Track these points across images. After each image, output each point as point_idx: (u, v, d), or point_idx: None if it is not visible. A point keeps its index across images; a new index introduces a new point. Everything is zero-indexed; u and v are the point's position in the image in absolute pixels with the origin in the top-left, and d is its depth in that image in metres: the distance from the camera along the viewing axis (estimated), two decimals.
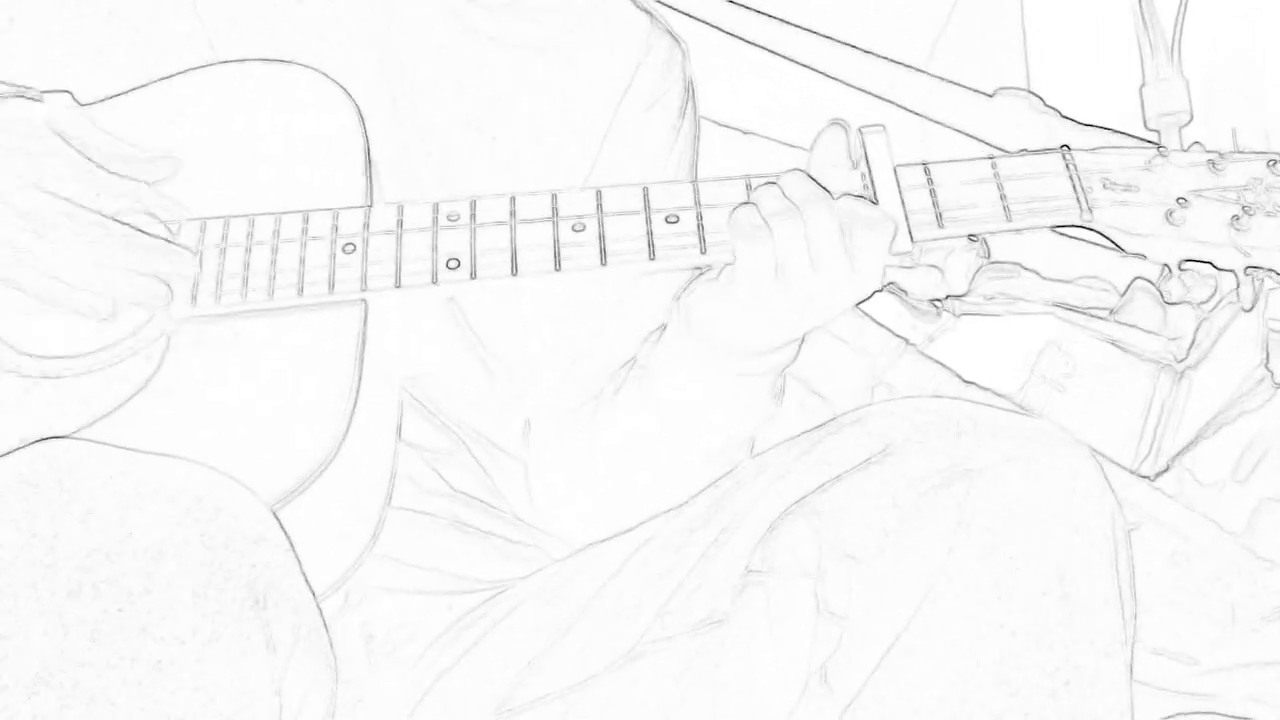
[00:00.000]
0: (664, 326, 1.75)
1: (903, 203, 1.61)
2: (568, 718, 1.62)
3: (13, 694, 1.33)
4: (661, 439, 1.73)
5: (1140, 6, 2.25)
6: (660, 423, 1.73)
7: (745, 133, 2.26)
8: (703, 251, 1.61)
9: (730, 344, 1.66)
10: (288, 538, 1.49)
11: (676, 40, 1.90)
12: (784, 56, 2.24)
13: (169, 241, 1.61)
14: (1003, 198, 1.62)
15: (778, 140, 2.25)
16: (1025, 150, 1.66)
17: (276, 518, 1.49)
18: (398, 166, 1.74)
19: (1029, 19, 2.33)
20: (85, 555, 1.37)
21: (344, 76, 1.70)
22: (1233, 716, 2.08)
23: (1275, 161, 1.62)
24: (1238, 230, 1.59)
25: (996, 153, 1.69)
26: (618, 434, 1.76)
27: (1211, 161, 1.62)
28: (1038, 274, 2.17)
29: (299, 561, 1.49)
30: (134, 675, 1.35)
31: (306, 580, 1.50)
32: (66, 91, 1.67)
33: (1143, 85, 2.25)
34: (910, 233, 1.60)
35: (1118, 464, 2.17)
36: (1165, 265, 1.62)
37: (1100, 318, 2.19)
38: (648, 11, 1.90)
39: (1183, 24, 2.24)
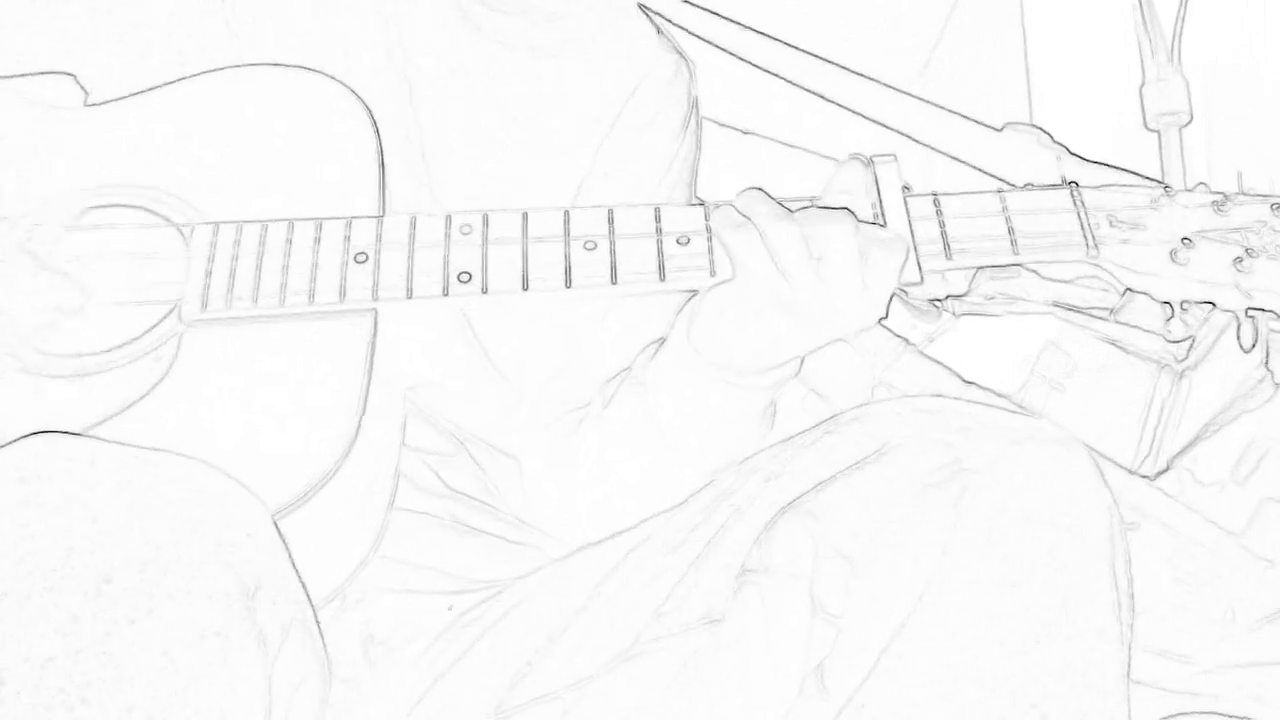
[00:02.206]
0: (661, 341, 1.75)
1: (912, 233, 1.62)
2: (566, 718, 1.62)
3: None
4: (655, 453, 1.73)
5: (1140, 7, 2.25)
6: (654, 437, 1.73)
7: (745, 133, 2.26)
8: (712, 274, 1.61)
9: (731, 360, 1.66)
10: (279, 533, 1.49)
11: (684, 58, 1.90)
12: (788, 80, 2.24)
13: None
14: (1010, 231, 1.63)
15: (778, 140, 2.25)
16: (1033, 185, 1.67)
17: (271, 517, 1.50)
18: (403, 168, 1.74)
19: (1028, 19, 2.33)
20: (74, 549, 1.38)
21: (355, 79, 1.70)
22: (1233, 716, 2.08)
23: (1279, 205, 1.64)
24: (1240, 272, 1.61)
25: (1004, 186, 1.70)
26: (610, 447, 1.76)
27: (1216, 203, 1.64)
28: (1038, 274, 2.17)
29: (290, 557, 1.50)
30: (122, 669, 1.35)
31: (299, 575, 1.50)
32: (70, 74, 1.67)
33: (1143, 85, 2.25)
34: (919, 264, 1.61)
35: (1118, 464, 2.17)
36: (1168, 304, 1.64)
37: (1100, 318, 2.19)
38: (656, 28, 1.90)
39: (1183, 24, 2.24)
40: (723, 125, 2.24)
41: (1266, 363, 2.19)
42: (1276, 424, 2.18)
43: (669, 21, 2.15)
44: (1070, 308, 2.19)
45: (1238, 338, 1.64)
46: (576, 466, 1.77)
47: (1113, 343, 2.19)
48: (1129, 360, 2.20)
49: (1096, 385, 2.21)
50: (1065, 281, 2.18)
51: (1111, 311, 2.19)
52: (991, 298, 2.20)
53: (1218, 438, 2.19)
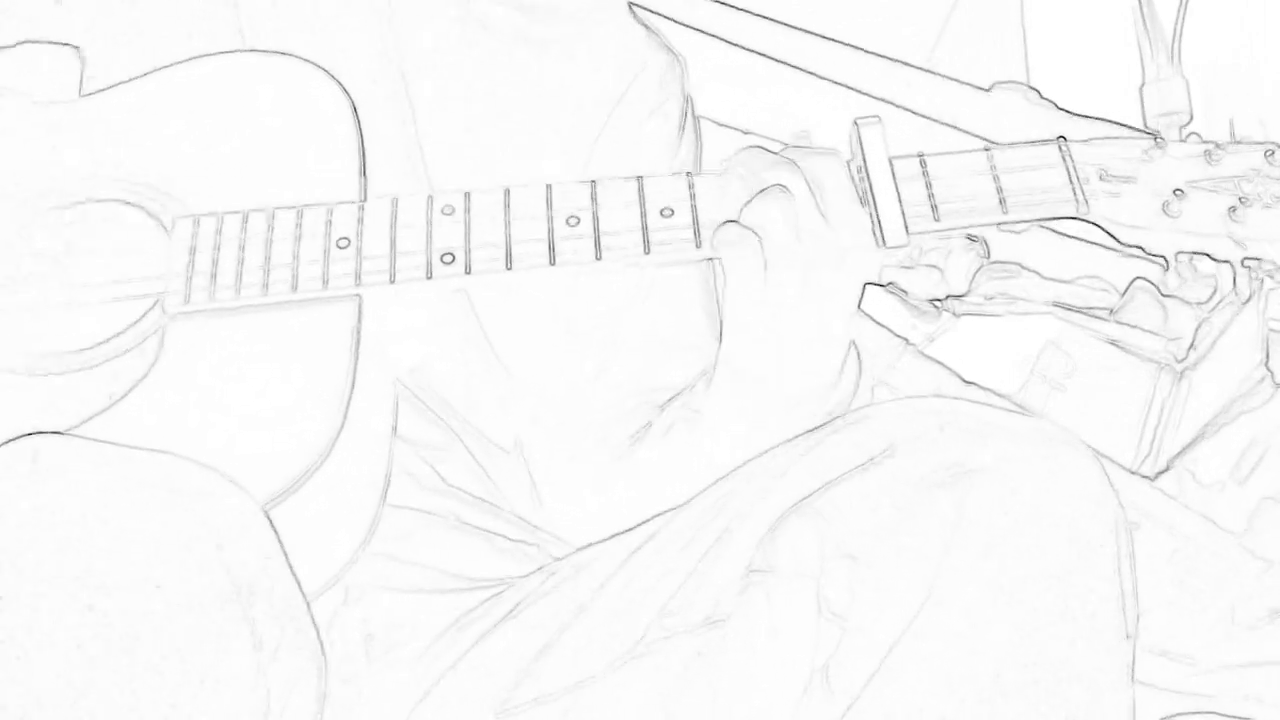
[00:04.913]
0: (709, 375, 1.75)
1: (898, 195, 1.60)
2: (568, 717, 1.62)
3: None
4: (702, 474, 1.73)
5: (1140, 6, 2.25)
6: (707, 464, 1.72)
7: (745, 132, 2.25)
8: (698, 245, 1.60)
9: (769, 375, 1.66)
10: (274, 531, 1.49)
11: (675, 56, 1.90)
12: (780, 60, 2.24)
13: None
14: (999, 190, 1.61)
15: (779, 140, 2.25)
16: (1021, 142, 1.66)
17: (266, 513, 1.49)
18: (391, 158, 1.74)
19: (1028, 19, 2.33)
20: (64, 549, 1.37)
21: (341, 66, 1.71)
22: (1233, 716, 2.08)
23: (1272, 152, 1.62)
24: (1234, 221, 1.59)
25: (993, 145, 1.68)
26: (661, 470, 1.75)
27: (1208, 152, 1.62)
28: (1038, 274, 2.17)
29: (285, 556, 1.49)
30: (112, 669, 1.35)
31: (294, 574, 1.50)
32: (74, 46, 1.68)
33: (1143, 85, 2.24)
34: (905, 225, 1.60)
35: (1118, 464, 2.16)
36: (1163, 259, 1.62)
37: (1100, 318, 2.18)
38: (646, 25, 1.90)
39: (1183, 24, 2.24)
40: (722, 125, 2.24)
41: (1266, 363, 2.18)
42: (1276, 424, 2.17)
43: (659, 15, 2.15)
44: (1070, 308, 2.19)
45: (1234, 288, 1.62)
46: (611, 476, 1.77)
47: (1113, 343, 2.19)
48: (1129, 360, 2.19)
49: (1096, 385, 2.21)
50: (1065, 281, 2.18)
51: (1111, 311, 2.18)
52: (991, 298, 2.19)
53: (1218, 438, 2.18)
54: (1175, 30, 2.24)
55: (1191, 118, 2.22)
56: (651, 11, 2.06)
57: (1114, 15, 2.30)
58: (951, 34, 2.33)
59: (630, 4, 1.91)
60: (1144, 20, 2.25)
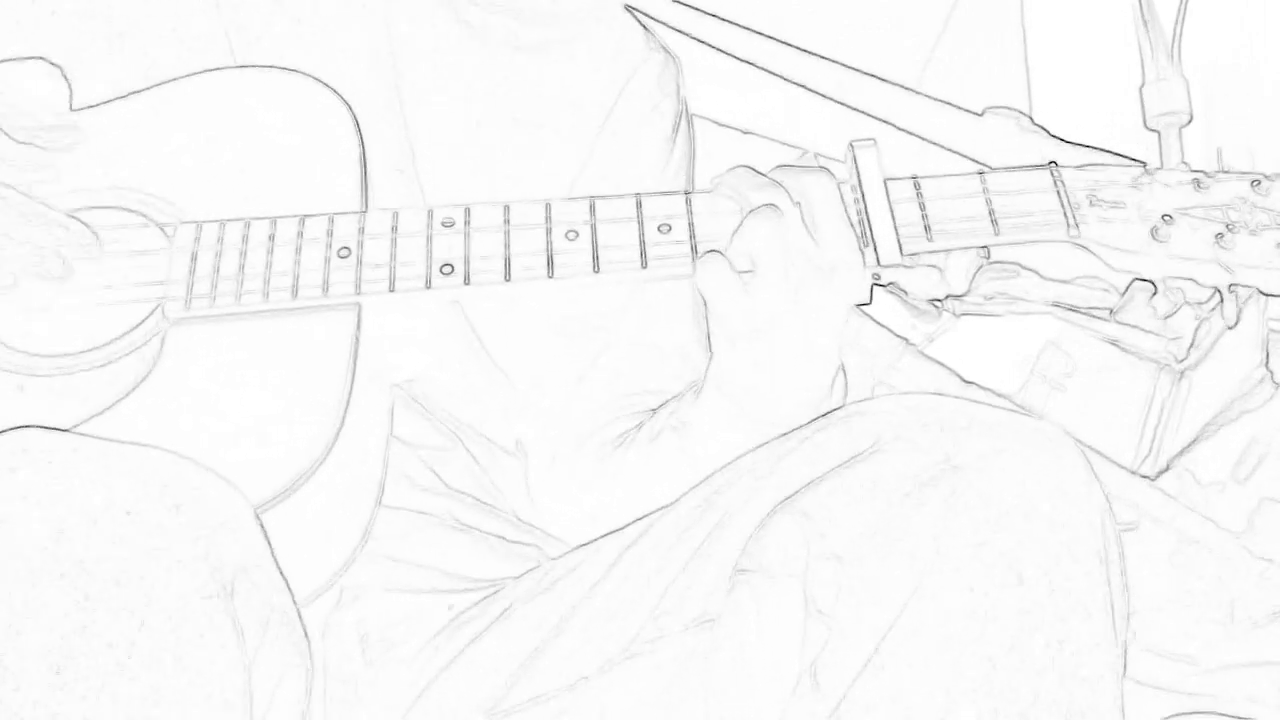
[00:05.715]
0: (699, 386, 1.75)
1: (893, 216, 1.62)
2: (562, 717, 1.62)
3: None
4: (687, 480, 1.73)
5: (1140, 7, 2.25)
6: (694, 471, 1.72)
7: (745, 133, 2.26)
8: (694, 260, 1.61)
9: (758, 391, 1.66)
10: (263, 528, 1.49)
11: (671, 57, 1.90)
12: (776, 74, 2.24)
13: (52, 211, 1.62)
14: (991, 212, 1.63)
15: (777, 140, 2.25)
16: (1014, 166, 1.67)
17: (253, 509, 1.50)
18: (390, 166, 1.74)
19: (1028, 20, 2.33)
20: (52, 540, 1.38)
21: (340, 76, 1.71)
22: (1233, 716, 2.08)
23: (1259, 181, 1.64)
24: (1222, 248, 1.61)
25: (986, 169, 1.70)
26: (648, 474, 1.76)
27: (1197, 180, 1.64)
28: (1038, 274, 2.17)
29: (271, 550, 1.50)
30: (98, 660, 1.35)
31: (279, 568, 1.50)
32: (40, 58, 1.68)
33: (1143, 85, 2.24)
34: (900, 245, 1.61)
35: (1118, 464, 2.16)
36: (1151, 282, 1.64)
37: (1100, 318, 2.18)
38: (644, 27, 1.90)
39: (1183, 24, 2.24)
40: (722, 125, 2.24)
41: (1266, 363, 2.18)
42: (1276, 424, 2.18)
43: (655, 20, 2.15)
44: (1070, 308, 2.19)
45: (1221, 315, 1.64)
46: (601, 480, 1.78)
47: (1113, 343, 2.19)
48: (1129, 360, 2.19)
49: (1096, 385, 2.21)
50: (1065, 281, 2.18)
51: (1111, 311, 2.18)
52: (991, 298, 2.20)
53: (1218, 438, 2.18)
54: (1175, 30, 2.24)
55: (1192, 118, 2.23)
56: (647, 15, 2.06)
57: (1114, 15, 2.30)
58: (951, 33, 2.33)
59: (626, 7, 1.92)
60: (1144, 20, 2.25)
